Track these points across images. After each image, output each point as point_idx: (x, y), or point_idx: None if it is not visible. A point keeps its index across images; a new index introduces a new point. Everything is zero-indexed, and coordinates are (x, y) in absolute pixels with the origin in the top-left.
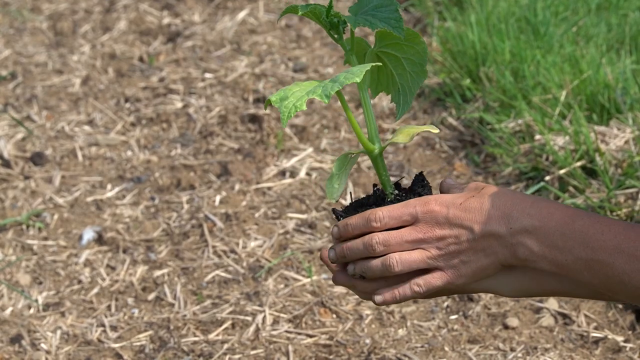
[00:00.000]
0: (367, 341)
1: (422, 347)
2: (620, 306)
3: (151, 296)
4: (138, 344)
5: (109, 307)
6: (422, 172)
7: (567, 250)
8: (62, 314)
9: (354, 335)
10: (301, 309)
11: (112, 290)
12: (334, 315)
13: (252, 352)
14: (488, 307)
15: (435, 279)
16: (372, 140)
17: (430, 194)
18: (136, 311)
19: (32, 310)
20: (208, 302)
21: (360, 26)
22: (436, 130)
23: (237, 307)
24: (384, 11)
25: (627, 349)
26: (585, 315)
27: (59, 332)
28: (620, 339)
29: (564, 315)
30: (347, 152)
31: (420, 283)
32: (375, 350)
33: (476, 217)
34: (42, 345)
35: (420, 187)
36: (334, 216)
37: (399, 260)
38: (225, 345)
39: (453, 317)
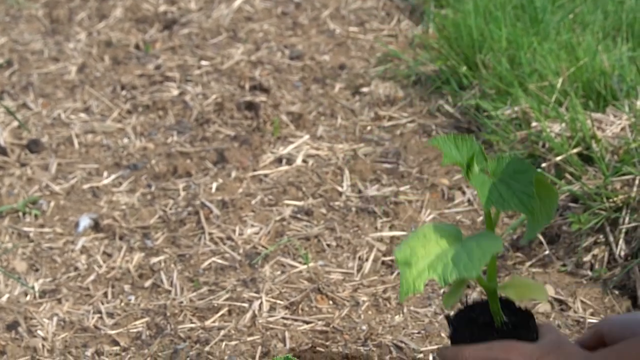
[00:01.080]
0: (364, 327)
1: (418, 333)
2: (617, 292)
3: (148, 283)
4: (134, 330)
5: (105, 294)
6: (532, 314)
7: None
8: (59, 301)
9: (350, 321)
10: (298, 296)
11: (108, 277)
12: (331, 302)
13: (249, 339)
14: (485, 294)
15: None
16: (491, 280)
17: (532, 337)
18: (133, 298)
19: (28, 297)
20: (204, 288)
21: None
22: (545, 299)
23: (233, 294)
24: (521, 180)
25: None
26: (582, 302)
27: (55, 318)
28: None
29: (561, 302)
30: (461, 280)
31: None
32: (371, 336)
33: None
34: (39, 332)
35: (523, 328)
36: (447, 323)
37: None
38: (222, 332)
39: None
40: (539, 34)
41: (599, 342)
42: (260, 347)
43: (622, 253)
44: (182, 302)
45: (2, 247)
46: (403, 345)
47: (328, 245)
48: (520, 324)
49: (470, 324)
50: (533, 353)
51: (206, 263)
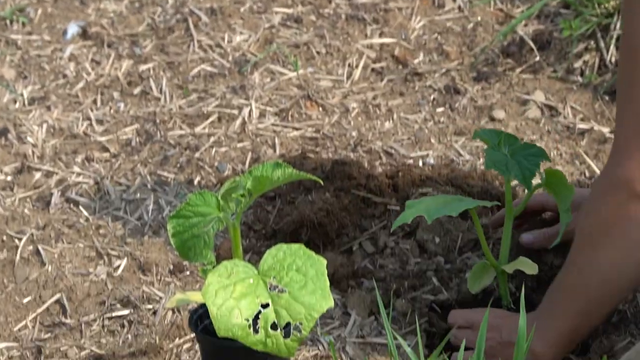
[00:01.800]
0: (354, 134)
1: (408, 139)
2: (607, 98)
3: (137, 90)
4: (124, 137)
5: (94, 101)
6: None
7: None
8: (48, 108)
9: (340, 128)
10: (287, 103)
11: (97, 85)
12: (320, 109)
13: (239, 145)
14: (475, 99)
15: None
16: (502, 260)
17: None
18: (122, 105)
19: (17, 105)
20: (194, 96)
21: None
22: (533, 272)
23: (223, 101)
24: (530, 160)
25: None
26: (572, 107)
27: (45, 125)
28: (606, 130)
29: (550, 107)
30: (485, 263)
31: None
32: (361, 142)
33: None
34: (29, 138)
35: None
36: None
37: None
38: (212, 139)
39: (439, 109)
40: None
41: (540, 208)
42: (250, 154)
43: (613, 59)
44: (171, 109)
45: None
46: (393, 151)
47: (318, 53)
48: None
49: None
50: (504, 314)
51: (195, 70)
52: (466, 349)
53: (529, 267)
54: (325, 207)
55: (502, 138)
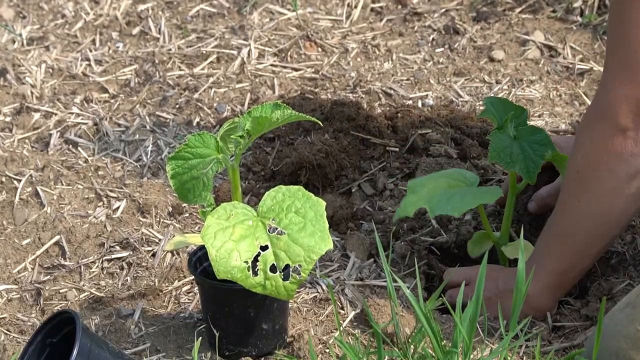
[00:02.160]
0: (353, 74)
1: (407, 80)
2: (606, 38)
3: (135, 30)
4: (123, 77)
5: (93, 42)
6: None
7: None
8: (47, 48)
9: (339, 68)
10: (286, 43)
11: (96, 25)
12: (320, 49)
13: (238, 86)
14: (474, 39)
15: None
16: (503, 239)
17: None
18: (121, 45)
19: (16, 45)
20: (193, 36)
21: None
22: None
23: (222, 41)
24: (537, 150)
25: None
26: (571, 47)
27: (43, 66)
28: None
29: (550, 48)
30: (483, 233)
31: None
32: (360, 83)
33: (502, 278)
34: (27, 79)
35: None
36: None
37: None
38: (211, 79)
39: (439, 50)
40: None
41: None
42: (249, 94)
43: None
44: (170, 50)
45: None
46: (392, 91)
47: None
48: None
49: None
50: (500, 267)
51: (194, 10)
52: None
53: (530, 251)
54: (324, 148)
55: (510, 117)
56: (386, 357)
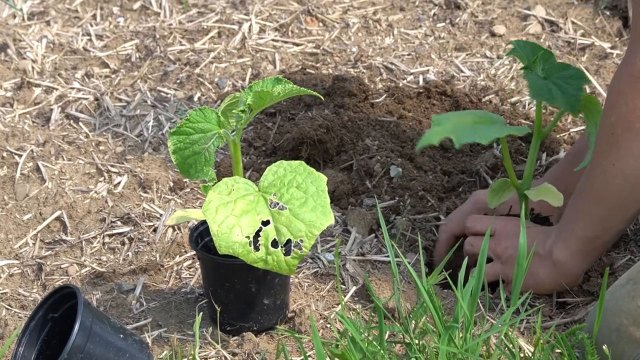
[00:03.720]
0: (354, 49)
1: (408, 55)
2: (608, 12)
3: (136, 5)
4: (124, 52)
5: (94, 16)
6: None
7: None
8: (48, 23)
9: (340, 43)
10: (287, 18)
11: None
12: (321, 24)
13: (239, 61)
14: (475, 14)
15: (489, 268)
16: (525, 182)
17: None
18: (122, 20)
19: (17, 20)
20: (194, 11)
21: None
22: (558, 204)
23: (222, 16)
24: (572, 84)
25: (614, 55)
26: (573, 22)
27: (44, 41)
28: (607, 45)
29: (551, 22)
30: (505, 180)
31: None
32: (361, 58)
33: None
34: (28, 54)
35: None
36: None
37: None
38: (212, 54)
39: (440, 25)
40: None
41: None
42: (250, 69)
43: None
44: (171, 24)
45: None
46: (393, 67)
47: None
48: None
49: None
50: (527, 223)
51: None
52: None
53: (554, 197)
54: (325, 123)
55: (539, 56)
56: (387, 332)
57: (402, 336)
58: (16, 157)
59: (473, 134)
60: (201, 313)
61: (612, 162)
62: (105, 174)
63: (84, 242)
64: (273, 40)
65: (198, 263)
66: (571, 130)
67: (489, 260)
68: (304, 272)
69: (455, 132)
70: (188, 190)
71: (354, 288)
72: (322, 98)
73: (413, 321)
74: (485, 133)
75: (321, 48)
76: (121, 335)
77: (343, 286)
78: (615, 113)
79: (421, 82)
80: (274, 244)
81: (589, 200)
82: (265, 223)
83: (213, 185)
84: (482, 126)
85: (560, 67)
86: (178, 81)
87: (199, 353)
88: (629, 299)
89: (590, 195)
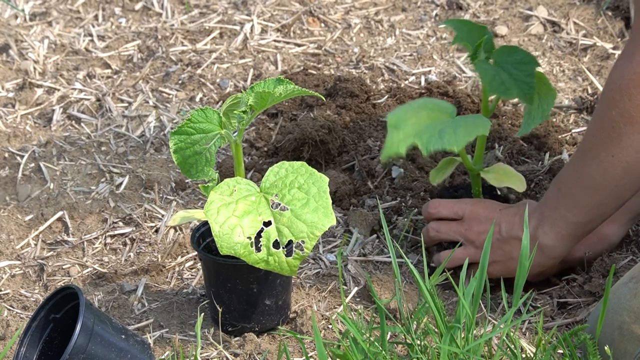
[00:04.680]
0: (356, 50)
1: (410, 55)
2: (610, 13)
3: (138, 5)
4: (126, 53)
5: (96, 17)
6: (508, 200)
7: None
8: (49, 24)
9: (342, 44)
10: (289, 18)
11: (98, 0)
12: (323, 25)
13: (241, 61)
14: (477, 15)
15: (461, 252)
16: (476, 163)
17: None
18: (123, 21)
19: (18, 20)
20: (196, 11)
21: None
22: (522, 189)
23: (224, 17)
24: (523, 70)
25: (616, 56)
26: (575, 23)
27: (46, 41)
28: (609, 46)
29: (553, 23)
30: (452, 158)
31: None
32: (363, 59)
33: (505, 222)
34: (30, 54)
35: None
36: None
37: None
38: (214, 55)
39: (442, 25)
40: None
41: None
42: (252, 70)
43: None
44: (173, 25)
45: None
46: (395, 67)
47: None
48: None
49: (450, 194)
50: (496, 206)
51: None
52: (448, 246)
53: (517, 182)
54: (327, 124)
55: (482, 41)
56: (389, 333)
57: (403, 337)
58: (18, 157)
59: (440, 139)
60: (203, 314)
61: (611, 154)
62: (107, 175)
63: (85, 243)
64: (275, 40)
65: (200, 264)
66: (573, 130)
67: (454, 244)
68: (305, 273)
69: (419, 135)
70: (190, 190)
71: (356, 289)
72: (324, 99)
73: (415, 322)
74: (454, 137)
75: (323, 49)
76: (123, 336)
77: (345, 287)
78: (617, 107)
79: (423, 83)
80: (276, 244)
81: (584, 188)
82: (267, 224)
83: (214, 186)
84: (445, 126)
85: (507, 51)
86: (180, 82)
87: (201, 354)
88: (631, 297)
89: (586, 183)
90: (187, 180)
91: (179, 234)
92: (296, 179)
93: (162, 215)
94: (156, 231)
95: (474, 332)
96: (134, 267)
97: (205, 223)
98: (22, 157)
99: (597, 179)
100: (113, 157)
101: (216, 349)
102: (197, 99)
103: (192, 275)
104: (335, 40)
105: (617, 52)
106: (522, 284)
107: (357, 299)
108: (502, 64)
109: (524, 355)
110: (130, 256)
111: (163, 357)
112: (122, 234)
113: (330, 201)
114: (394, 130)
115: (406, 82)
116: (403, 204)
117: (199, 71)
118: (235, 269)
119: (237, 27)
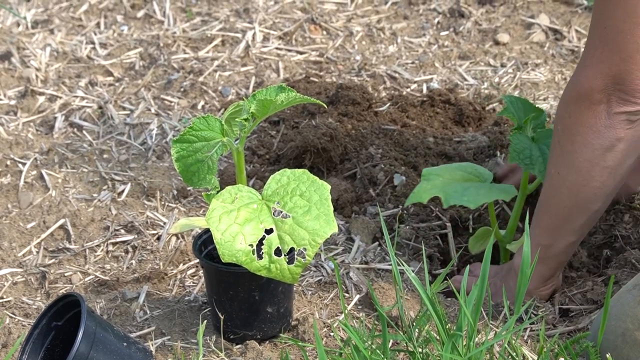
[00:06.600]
0: (358, 58)
1: (412, 63)
2: None
3: (140, 13)
4: (128, 60)
5: (98, 25)
6: None
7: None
8: (51, 31)
9: (344, 52)
10: (291, 26)
11: (100, 8)
12: (324, 32)
13: (243, 69)
14: (479, 23)
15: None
16: (508, 237)
17: None
18: (125, 28)
19: (20, 28)
20: (198, 19)
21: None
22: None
23: (226, 24)
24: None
25: None
26: (577, 31)
27: (48, 49)
28: None
29: (555, 31)
30: (488, 229)
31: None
32: (365, 66)
33: (500, 275)
34: (32, 62)
35: None
36: None
37: None
38: (216, 62)
39: (444, 33)
40: None
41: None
42: (254, 78)
43: None
44: (175, 33)
45: None
46: (397, 75)
47: None
48: None
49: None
50: (499, 267)
51: None
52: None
53: None
54: (329, 132)
55: (530, 118)
56: (391, 341)
57: (405, 344)
58: (20, 165)
59: (461, 196)
60: (205, 321)
61: (557, 171)
62: (109, 182)
63: (87, 250)
64: (277, 48)
65: (202, 271)
66: None
67: None
68: (307, 280)
69: (444, 190)
70: (192, 198)
71: (358, 296)
72: (326, 106)
73: (416, 329)
74: (474, 197)
75: (325, 56)
76: (125, 344)
77: (346, 294)
78: (561, 123)
79: (425, 91)
80: (277, 252)
81: (541, 208)
82: (269, 231)
83: (216, 194)
84: (472, 187)
85: (549, 133)
86: (182, 89)
87: None
88: (635, 304)
89: (543, 202)
90: (189, 188)
91: (180, 241)
92: (298, 186)
93: (164, 223)
94: (158, 239)
95: (476, 339)
96: (135, 275)
97: (207, 230)
98: (24, 164)
99: (548, 199)
100: (115, 165)
101: (218, 357)
102: (199, 107)
103: (194, 282)
104: (337, 48)
105: None
106: (524, 291)
107: (359, 307)
108: (540, 142)
109: None
110: (132, 264)
111: None
112: (123, 242)
113: (332, 209)
114: (424, 181)
115: (408, 89)
116: (405, 211)
117: (200, 79)
118: (237, 276)
119: (239, 35)
